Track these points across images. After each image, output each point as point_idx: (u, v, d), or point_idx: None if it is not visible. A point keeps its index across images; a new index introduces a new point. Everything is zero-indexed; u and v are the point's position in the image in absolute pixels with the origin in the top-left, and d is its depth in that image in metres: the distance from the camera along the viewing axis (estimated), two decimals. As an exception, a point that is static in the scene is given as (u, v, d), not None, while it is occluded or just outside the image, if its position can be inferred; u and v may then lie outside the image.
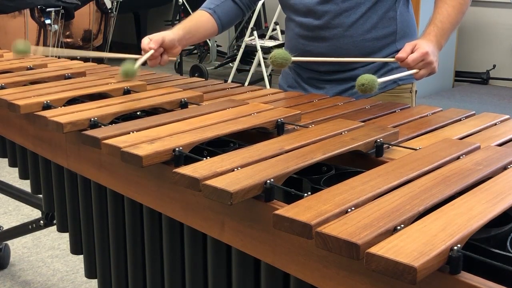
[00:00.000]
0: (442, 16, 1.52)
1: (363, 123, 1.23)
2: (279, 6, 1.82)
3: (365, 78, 1.33)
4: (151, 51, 1.64)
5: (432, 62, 1.46)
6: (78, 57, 2.24)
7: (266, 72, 5.31)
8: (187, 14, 6.15)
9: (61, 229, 1.57)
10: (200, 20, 1.76)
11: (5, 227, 2.72)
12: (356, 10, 1.60)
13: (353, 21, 1.60)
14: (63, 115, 1.32)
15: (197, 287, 1.12)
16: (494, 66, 5.61)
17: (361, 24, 1.61)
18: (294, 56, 1.51)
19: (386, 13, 1.62)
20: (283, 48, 1.60)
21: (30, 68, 1.95)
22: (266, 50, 5.42)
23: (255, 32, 5.34)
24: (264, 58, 5.53)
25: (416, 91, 1.76)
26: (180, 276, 1.17)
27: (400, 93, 1.69)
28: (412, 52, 1.46)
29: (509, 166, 0.98)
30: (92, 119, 1.30)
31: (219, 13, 1.76)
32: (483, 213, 0.78)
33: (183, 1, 5.91)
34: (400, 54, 1.46)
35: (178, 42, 1.70)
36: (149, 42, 1.65)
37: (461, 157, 1.02)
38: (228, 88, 1.73)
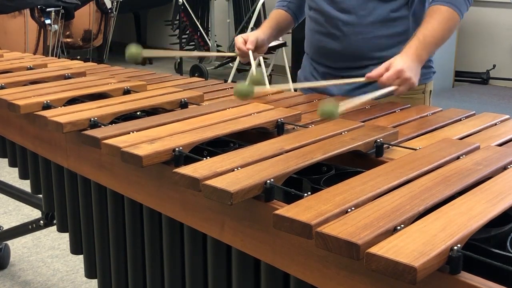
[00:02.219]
0: (426, 30, 1.51)
1: (363, 123, 1.23)
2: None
3: (327, 109, 1.32)
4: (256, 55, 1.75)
5: (408, 78, 1.44)
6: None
7: (266, 72, 5.31)
8: (187, 14, 6.15)
9: (61, 229, 1.57)
10: (280, 18, 1.88)
11: (5, 227, 2.72)
12: (364, 7, 1.60)
13: (362, 18, 1.60)
14: (63, 115, 1.32)
15: (197, 287, 1.12)
16: (494, 66, 5.60)
17: (370, 21, 1.61)
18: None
19: (397, 11, 1.62)
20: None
21: (30, 68, 1.95)
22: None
23: (255, 32, 5.33)
24: (264, 58, 5.53)
25: (430, 91, 1.75)
26: (180, 276, 1.17)
27: (412, 94, 1.67)
28: (387, 70, 1.45)
29: (509, 166, 0.98)
30: (92, 119, 1.30)
31: (293, 8, 1.87)
32: (483, 213, 0.78)
33: (183, 1, 5.91)
34: (371, 74, 1.46)
35: (267, 41, 1.81)
36: (243, 41, 1.74)
37: (461, 157, 1.02)
38: (228, 88, 1.73)
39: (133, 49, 1.64)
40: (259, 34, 1.78)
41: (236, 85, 1.55)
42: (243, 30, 5.89)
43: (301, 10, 1.87)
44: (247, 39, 1.74)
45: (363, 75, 1.66)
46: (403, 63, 1.45)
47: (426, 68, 1.72)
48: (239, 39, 1.75)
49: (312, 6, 1.72)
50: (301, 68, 1.87)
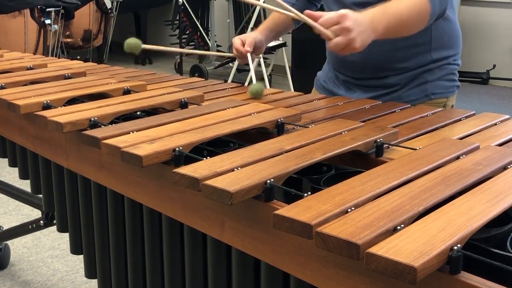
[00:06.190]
0: (391, 4, 1.39)
1: (363, 123, 1.23)
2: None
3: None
4: (255, 58, 1.75)
5: (349, 29, 1.27)
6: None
7: (266, 72, 5.31)
8: (187, 14, 6.15)
9: (61, 229, 1.57)
10: (279, 20, 1.85)
11: (5, 227, 2.72)
12: None
13: None
14: (63, 115, 1.32)
15: (197, 287, 1.12)
16: (494, 66, 5.60)
17: None
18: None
19: None
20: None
21: (30, 68, 1.95)
22: (266, 50, 5.41)
23: (255, 32, 5.32)
24: (264, 58, 5.53)
25: (452, 105, 1.68)
26: (180, 276, 1.17)
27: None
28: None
29: (509, 166, 0.98)
30: (92, 119, 1.30)
31: (296, 9, 1.82)
32: (483, 213, 0.78)
33: (183, 1, 5.91)
34: (315, 13, 1.34)
35: (265, 41, 1.80)
36: (241, 43, 1.72)
37: (461, 157, 1.02)
38: (228, 88, 1.73)
39: (132, 41, 1.65)
40: (257, 35, 1.77)
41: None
42: (243, 30, 5.89)
43: (303, 10, 1.85)
44: (245, 41, 1.72)
45: (383, 85, 1.64)
46: (351, 13, 1.30)
47: (449, 81, 1.66)
48: (236, 41, 1.73)
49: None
50: (323, 70, 1.84)
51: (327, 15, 1.31)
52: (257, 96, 1.60)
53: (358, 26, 1.30)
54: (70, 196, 1.46)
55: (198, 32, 6.30)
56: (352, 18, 1.29)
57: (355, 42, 1.30)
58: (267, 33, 1.81)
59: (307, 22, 1.34)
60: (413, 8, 1.42)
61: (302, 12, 1.83)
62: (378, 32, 1.36)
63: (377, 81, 1.65)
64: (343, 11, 1.31)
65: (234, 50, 1.74)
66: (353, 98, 1.60)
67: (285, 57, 5.39)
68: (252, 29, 5.41)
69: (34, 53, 4.65)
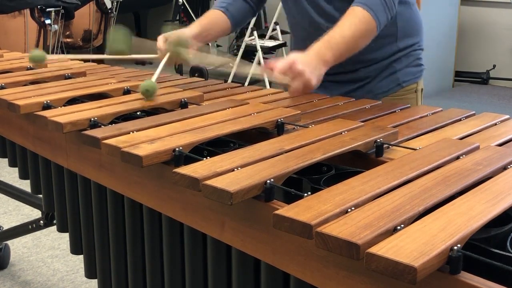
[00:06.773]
0: (334, 32, 1.44)
1: (363, 123, 1.23)
2: (279, 6, 1.84)
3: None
4: (167, 55, 1.64)
5: (302, 73, 1.38)
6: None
7: (267, 71, 5.31)
8: (187, 14, 6.15)
9: (61, 229, 1.57)
10: (214, 19, 1.78)
11: (5, 227, 2.72)
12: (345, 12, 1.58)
13: None
14: (63, 115, 1.32)
15: (197, 287, 1.12)
16: (494, 66, 5.61)
17: None
18: None
19: None
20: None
21: (30, 68, 1.95)
22: (266, 50, 5.42)
23: (255, 32, 5.33)
24: (264, 58, 5.53)
25: (422, 89, 1.73)
26: (180, 276, 1.17)
27: (404, 95, 1.67)
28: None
29: (509, 166, 0.98)
30: (92, 119, 1.30)
31: (232, 11, 1.77)
32: (483, 213, 0.78)
33: (183, 1, 5.91)
34: (267, 63, 1.41)
35: (194, 39, 1.69)
36: (164, 40, 1.66)
37: (461, 157, 1.02)
38: (228, 88, 1.73)
39: (37, 53, 1.66)
40: (185, 31, 1.69)
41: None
42: (243, 30, 5.89)
43: (242, 15, 1.79)
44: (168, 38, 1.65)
45: (354, 79, 1.66)
46: (299, 56, 1.40)
47: (416, 67, 1.70)
48: (160, 38, 1.67)
49: (298, 11, 1.68)
50: None
51: (279, 64, 1.41)
52: (148, 94, 1.46)
53: (307, 66, 1.39)
54: (70, 196, 1.46)
55: (198, 32, 6.29)
56: (300, 60, 1.39)
57: (311, 81, 1.40)
58: (198, 30, 1.71)
59: (268, 76, 1.43)
60: (358, 29, 1.46)
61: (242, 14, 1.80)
62: (328, 62, 1.43)
63: (348, 75, 1.65)
64: (290, 57, 1.41)
65: (158, 51, 1.67)
66: (328, 95, 1.60)
67: (285, 57, 5.38)
68: (252, 29, 5.41)
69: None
